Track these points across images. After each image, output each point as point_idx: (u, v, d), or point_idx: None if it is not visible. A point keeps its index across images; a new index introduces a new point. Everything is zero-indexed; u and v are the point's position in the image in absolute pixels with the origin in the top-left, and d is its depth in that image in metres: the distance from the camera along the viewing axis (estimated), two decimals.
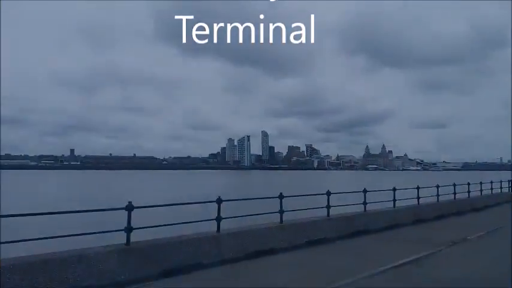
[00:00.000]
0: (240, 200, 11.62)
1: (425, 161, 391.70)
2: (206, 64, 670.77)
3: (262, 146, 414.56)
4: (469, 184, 20.05)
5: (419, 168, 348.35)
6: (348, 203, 12.95)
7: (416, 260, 8.72)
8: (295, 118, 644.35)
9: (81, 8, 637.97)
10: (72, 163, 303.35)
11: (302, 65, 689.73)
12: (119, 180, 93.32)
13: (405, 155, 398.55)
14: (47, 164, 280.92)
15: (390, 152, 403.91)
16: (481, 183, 21.39)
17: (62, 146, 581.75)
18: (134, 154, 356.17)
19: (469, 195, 19.78)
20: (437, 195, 17.18)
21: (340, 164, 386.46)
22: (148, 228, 7.63)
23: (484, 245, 10.93)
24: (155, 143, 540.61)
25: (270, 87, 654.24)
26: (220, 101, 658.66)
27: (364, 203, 12.54)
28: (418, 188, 15.61)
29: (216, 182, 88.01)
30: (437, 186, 17.05)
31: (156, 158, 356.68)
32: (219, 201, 8.45)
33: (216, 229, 8.56)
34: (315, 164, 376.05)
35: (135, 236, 7.28)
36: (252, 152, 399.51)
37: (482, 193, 21.42)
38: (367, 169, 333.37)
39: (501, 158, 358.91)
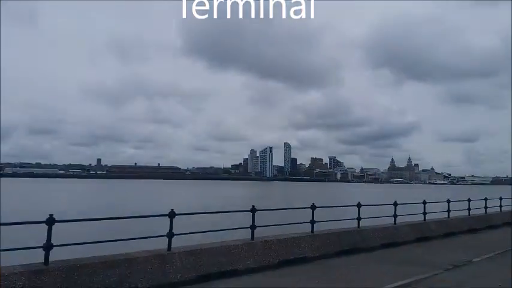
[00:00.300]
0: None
1: (452, 175, 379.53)
2: (232, 77, 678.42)
3: (285, 157, 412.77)
4: (486, 199, 18.54)
5: (446, 182, 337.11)
6: (343, 218, 11.95)
7: (402, 287, 7.69)
8: (318, 130, 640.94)
9: (111, 23, 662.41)
10: (98, 172, 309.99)
11: (325, 78, 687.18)
12: (143, 189, 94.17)
13: (432, 168, 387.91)
14: (74, 173, 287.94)
15: (416, 165, 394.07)
16: (500, 198, 19.76)
17: (90, 155, 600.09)
18: (158, 164, 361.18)
19: (485, 211, 18.21)
20: (448, 210, 15.82)
21: (364, 176, 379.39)
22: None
23: (490, 269, 9.77)
24: (179, 153, 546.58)
25: (294, 99, 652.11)
26: (245, 113, 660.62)
27: (358, 219, 11.47)
28: (424, 202, 14.24)
29: (234, 192, 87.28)
30: (448, 201, 15.69)
31: (180, 168, 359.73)
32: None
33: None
34: (338, 176, 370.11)
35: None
36: (274, 164, 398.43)
37: (502, 209, 19.77)
38: (391, 182, 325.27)
39: None
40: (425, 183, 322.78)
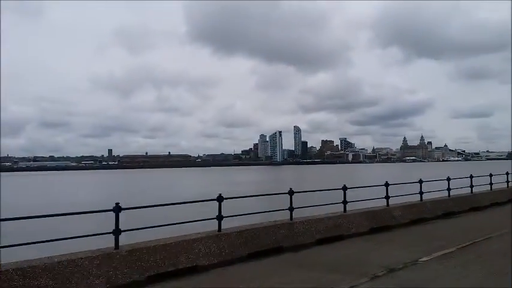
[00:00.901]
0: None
1: (467, 151, 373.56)
2: (239, 63, 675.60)
3: (295, 141, 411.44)
4: (491, 175, 17.22)
5: (460, 158, 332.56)
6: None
7: None
8: (328, 112, 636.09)
9: (117, 13, 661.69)
10: (110, 163, 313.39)
11: (335, 59, 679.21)
12: (153, 178, 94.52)
13: (445, 145, 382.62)
14: (87, 165, 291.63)
15: (429, 143, 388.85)
16: (507, 173, 18.40)
17: (102, 146, 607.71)
18: (169, 152, 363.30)
19: (491, 187, 16.96)
20: (449, 189, 14.57)
21: (376, 156, 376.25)
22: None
23: (460, 264, 7.11)
24: (190, 141, 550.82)
25: (302, 82, 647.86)
26: (253, 98, 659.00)
27: (344, 202, 10.35)
28: (420, 181, 12.95)
29: (244, 178, 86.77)
30: (449, 179, 14.41)
31: (190, 156, 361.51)
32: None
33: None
34: (350, 158, 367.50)
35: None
36: (284, 148, 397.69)
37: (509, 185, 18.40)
38: (404, 161, 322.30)
39: None
40: (438, 160, 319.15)
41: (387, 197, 11.66)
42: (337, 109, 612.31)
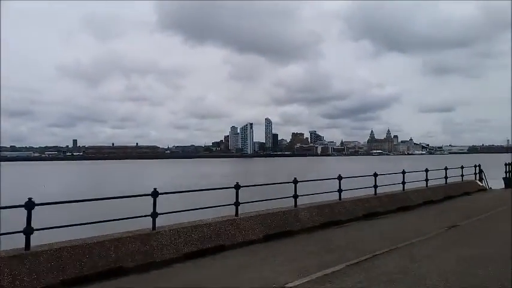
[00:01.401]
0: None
1: (431, 145, 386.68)
2: (211, 52, 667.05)
3: (266, 133, 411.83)
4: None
5: (424, 152, 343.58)
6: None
7: None
8: (299, 105, 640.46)
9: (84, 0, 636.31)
10: (74, 154, 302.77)
11: (306, 52, 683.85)
12: (109, 170, 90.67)
13: (411, 139, 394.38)
14: (50, 156, 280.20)
15: (396, 136, 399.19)
16: (446, 168, 17.28)
17: (67, 137, 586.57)
18: (137, 144, 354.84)
19: (426, 184, 15.73)
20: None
21: (345, 149, 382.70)
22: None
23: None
24: (160, 132, 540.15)
25: (275, 74, 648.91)
26: (226, 89, 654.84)
27: (236, 204, 8.60)
28: (375, 175, 12.72)
29: (206, 170, 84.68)
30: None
31: (159, 147, 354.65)
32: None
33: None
34: (319, 151, 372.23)
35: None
36: (255, 140, 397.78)
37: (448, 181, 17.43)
38: (371, 154, 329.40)
39: (508, 141, 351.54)
40: (404, 154, 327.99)
41: (295, 196, 10.01)
42: (308, 102, 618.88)
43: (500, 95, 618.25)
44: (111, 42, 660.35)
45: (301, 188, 10.37)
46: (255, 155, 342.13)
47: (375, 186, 12.71)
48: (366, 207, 11.72)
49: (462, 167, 18.70)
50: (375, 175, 12.76)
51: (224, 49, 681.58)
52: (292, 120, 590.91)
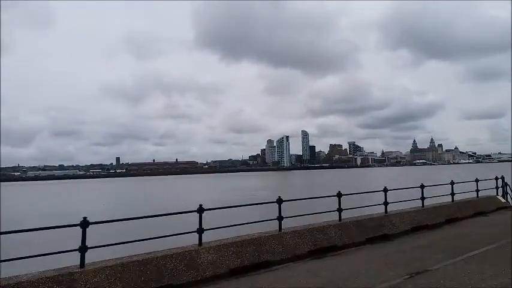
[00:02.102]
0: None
1: (478, 153, 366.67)
2: (246, 67, 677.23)
3: (303, 145, 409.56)
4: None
5: (471, 161, 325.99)
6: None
7: None
8: (337, 116, 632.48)
9: (124, 21, 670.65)
10: (117, 171, 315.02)
11: (343, 62, 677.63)
12: (156, 186, 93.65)
13: (456, 148, 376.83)
14: (94, 173, 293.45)
15: (440, 145, 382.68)
16: (452, 183, 14.21)
17: (111, 155, 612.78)
18: (176, 159, 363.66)
19: (423, 203, 12.32)
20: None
21: (386, 160, 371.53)
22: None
23: None
24: (199, 148, 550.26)
25: (310, 86, 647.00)
26: (261, 103, 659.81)
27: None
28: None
29: (241, 184, 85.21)
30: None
31: (197, 163, 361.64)
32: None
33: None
34: (358, 162, 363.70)
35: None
36: (292, 152, 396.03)
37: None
38: (414, 164, 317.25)
39: None
40: (449, 163, 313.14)
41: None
42: (346, 113, 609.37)
43: None
44: (150, 60, 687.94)
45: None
46: (292, 167, 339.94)
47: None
48: (363, 230, 11.11)
49: (477, 180, 15.33)
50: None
51: (259, 64, 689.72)
52: (330, 131, 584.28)
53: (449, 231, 10.84)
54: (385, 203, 10.69)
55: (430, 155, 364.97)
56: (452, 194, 13.67)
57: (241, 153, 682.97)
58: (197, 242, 7.32)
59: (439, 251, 7.97)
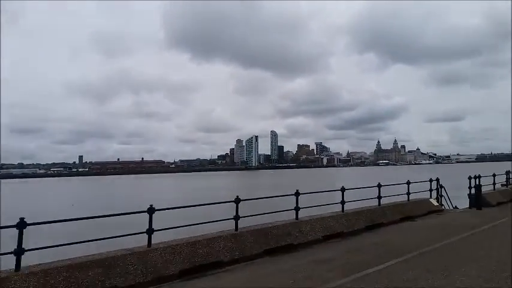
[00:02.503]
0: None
1: (438, 154, 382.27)
2: (217, 68, 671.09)
3: (271, 145, 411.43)
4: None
5: (431, 161, 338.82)
6: None
7: None
8: (305, 117, 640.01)
9: (92, 19, 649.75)
10: (80, 170, 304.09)
11: (312, 65, 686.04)
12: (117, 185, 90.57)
13: (418, 149, 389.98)
14: (55, 172, 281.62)
15: (403, 146, 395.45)
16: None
17: (75, 153, 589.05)
18: (142, 158, 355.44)
19: (342, 208, 11.72)
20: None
21: (351, 160, 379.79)
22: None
23: None
24: (167, 147, 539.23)
25: (281, 87, 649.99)
26: (232, 103, 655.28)
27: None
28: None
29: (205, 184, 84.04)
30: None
31: (164, 162, 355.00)
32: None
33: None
34: (324, 162, 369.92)
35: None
36: (261, 152, 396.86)
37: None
38: (378, 165, 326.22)
39: None
40: (411, 163, 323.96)
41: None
42: (314, 114, 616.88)
43: (508, 103, 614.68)
44: (119, 59, 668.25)
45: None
46: (261, 167, 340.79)
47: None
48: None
49: (408, 183, 14.74)
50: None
51: (230, 64, 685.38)
52: (298, 132, 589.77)
53: (365, 239, 10.23)
54: (298, 207, 10.33)
55: (393, 155, 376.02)
56: (379, 197, 13.52)
57: (210, 152, 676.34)
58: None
59: (337, 267, 7.33)
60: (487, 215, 14.15)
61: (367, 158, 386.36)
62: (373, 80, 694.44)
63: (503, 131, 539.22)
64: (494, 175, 19.65)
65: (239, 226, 8.64)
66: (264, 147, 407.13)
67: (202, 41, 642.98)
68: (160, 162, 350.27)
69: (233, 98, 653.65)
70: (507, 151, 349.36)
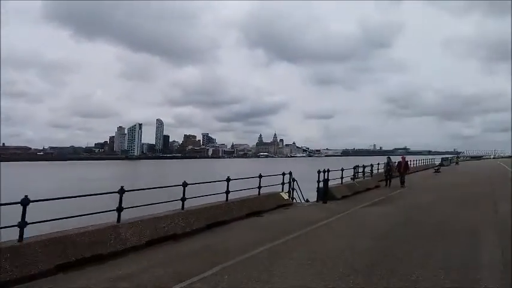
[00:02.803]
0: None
1: (311, 148, 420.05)
2: (101, 48, 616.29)
3: (156, 134, 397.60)
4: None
5: (304, 155, 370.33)
6: None
7: None
8: (194, 107, 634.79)
9: None
10: None
11: (203, 55, 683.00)
12: None
13: (294, 143, 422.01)
14: None
15: (281, 140, 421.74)
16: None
17: None
18: (3, 144, 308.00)
19: (183, 205, 10.69)
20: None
21: (234, 152, 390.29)
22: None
23: None
24: (36, 131, 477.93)
25: (171, 75, 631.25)
26: (116, 87, 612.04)
27: None
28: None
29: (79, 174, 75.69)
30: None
31: (30, 148, 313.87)
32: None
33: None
34: (210, 153, 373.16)
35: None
36: (145, 141, 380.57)
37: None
38: (258, 157, 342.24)
39: (374, 145, 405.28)
40: (287, 156, 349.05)
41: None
42: (203, 104, 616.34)
43: (370, 105, 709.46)
44: None
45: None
46: (143, 156, 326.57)
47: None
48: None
49: (260, 176, 14.48)
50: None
51: (117, 46, 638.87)
52: (186, 121, 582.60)
53: (198, 242, 9.23)
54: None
55: (272, 148, 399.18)
56: (228, 192, 13.02)
57: (86, 140, 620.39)
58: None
59: (138, 285, 6.10)
60: (330, 209, 14.86)
61: (250, 150, 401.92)
62: (261, 76, 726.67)
63: (365, 130, 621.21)
64: (342, 169, 21.19)
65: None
66: (148, 137, 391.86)
67: (86, 17, 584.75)
68: (26, 148, 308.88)
69: (118, 82, 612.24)
70: (367, 147, 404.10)
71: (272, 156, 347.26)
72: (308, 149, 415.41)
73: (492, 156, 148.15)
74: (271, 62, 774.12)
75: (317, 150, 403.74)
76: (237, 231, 10.83)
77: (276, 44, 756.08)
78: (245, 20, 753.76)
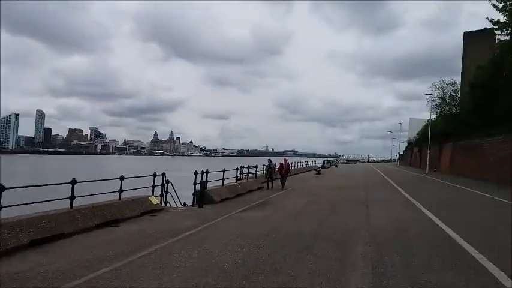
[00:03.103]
0: None
1: (208, 147, 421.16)
2: None
3: (36, 126, 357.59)
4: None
5: (201, 154, 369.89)
6: None
7: None
8: (81, 99, 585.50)
9: None
10: None
11: (92, 44, 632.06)
12: None
13: (191, 141, 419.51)
14: None
15: (178, 138, 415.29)
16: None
17: None
18: None
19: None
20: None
21: (127, 148, 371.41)
22: None
23: None
24: None
25: (54, 63, 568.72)
26: None
27: None
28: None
29: None
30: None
31: None
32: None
33: None
34: (99, 149, 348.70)
35: None
36: (22, 134, 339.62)
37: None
38: (154, 154, 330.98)
39: (267, 147, 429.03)
40: (184, 155, 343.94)
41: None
42: (91, 97, 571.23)
43: (264, 108, 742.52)
44: None
45: None
46: (20, 151, 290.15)
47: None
48: None
49: (122, 178, 12.38)
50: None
51: None
52: (71, 114, 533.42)
53: (6, 268, 6.65)
54: None
55: (168, 146, 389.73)
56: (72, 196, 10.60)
57: None
58: None
59: None
60: (203, 215, 13.34)
61: (144, 148, 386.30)
62: (157, 71, 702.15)
63: (259, 131, 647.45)
64: (224, 170, 20.06)
65: None
66: (27, 129, 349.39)
67: None
68: None
69: None
70: (260, 148, 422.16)
71: (168, 155, 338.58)
72: (205, 148, 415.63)
73: (366, 160, 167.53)
74: (168, 58, 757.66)
75: (214, 150, 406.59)
76: (73, 247, 8.45)
77: (172, 41, 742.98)
78: (140, 11, 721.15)
